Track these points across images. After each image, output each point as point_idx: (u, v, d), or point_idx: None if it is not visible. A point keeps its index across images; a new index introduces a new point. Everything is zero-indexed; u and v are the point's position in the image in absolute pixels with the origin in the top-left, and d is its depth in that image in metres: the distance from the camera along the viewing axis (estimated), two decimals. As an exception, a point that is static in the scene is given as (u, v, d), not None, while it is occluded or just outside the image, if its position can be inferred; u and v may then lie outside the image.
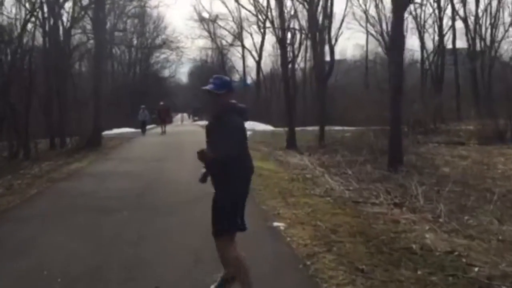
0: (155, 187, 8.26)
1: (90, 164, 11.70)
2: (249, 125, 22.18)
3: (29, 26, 17.00)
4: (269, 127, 25.77)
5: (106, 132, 24.62)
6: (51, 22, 18.60)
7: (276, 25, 32.73)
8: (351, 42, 69.83)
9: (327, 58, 18.65)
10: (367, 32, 37.12)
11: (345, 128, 23.91)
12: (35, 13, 18.11)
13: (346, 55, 43.96)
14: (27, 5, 17.67)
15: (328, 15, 14.88)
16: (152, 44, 45.35)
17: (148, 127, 25.72)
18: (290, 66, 33.93)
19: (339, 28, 23.55)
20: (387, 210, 6.45)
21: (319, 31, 26.33)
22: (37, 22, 18.48)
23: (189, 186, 6.82)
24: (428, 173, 9.83)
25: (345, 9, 48.75)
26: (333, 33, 18.80)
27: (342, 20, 26.39)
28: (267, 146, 15.65)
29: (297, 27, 27.69)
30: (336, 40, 15.97)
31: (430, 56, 34.30)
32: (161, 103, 25.63)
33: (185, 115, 55.52)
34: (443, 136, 16.83)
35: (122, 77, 44.97)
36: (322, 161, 11.82)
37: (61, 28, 19.71)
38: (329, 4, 16.22)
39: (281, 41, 15.54)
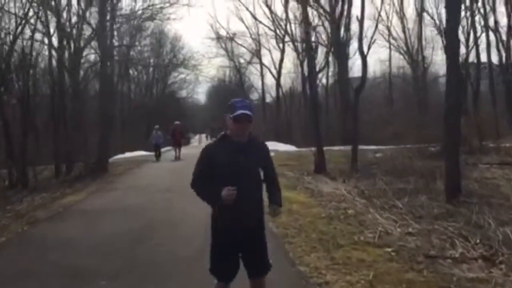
0: (159, 230, 6.39)
1: (88, 197, 9.94)
2: (271, 145, 20.29)
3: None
4: (291, 148, 23.83)
5: (118, 156, 23.10)
6: (64, 42, 17.44)
7: (296, 39, 31.43)
8: (372, 58, 66.68)
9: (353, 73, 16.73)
10: (390, 47, 35.21)
11: (373, 147, 21.88)
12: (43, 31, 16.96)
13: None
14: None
15: (359, 19, 12.96)
16: (169, 64, 44.24)
17: (163, 149, 23.91)
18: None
19: (372, 37, 21.70)
20: (481, 270, 4.44)
21: (342, 44, 24.63)
22: (45, 41, 17.29)
23: (204, 229, 4.95)
24: (498, 205, 7.74)
25: (377, 18, 46.45)
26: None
27: (374, 31, 24.53)
28: (292, 170, 13.71)
29: (319, 40, 26.04)
30: (368, 49, 13.91)
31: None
32: (176, 122, 21.35)
33: (203, 136, 54.03)
34: (492, 156, 14.59)
35: (139, 98, 43.86)
36: (361, 189, 9.79)
37: (72, 47, 18.45)
38: (359, 13, 14.19)
39: (307, 49, 13.59)
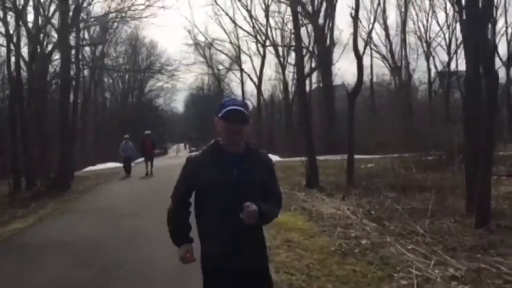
0: (115, 284, 4.56)
1: (36, 222, 8.05)
2: None
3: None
4: (275, 157, 22.21)
5: (88, 169, 21.07)
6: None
7: (277, 43, 29.96)
8: (352, 65, 65.13)
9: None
10: (371, 54, 34.16)
11: (360, 156, 20.51)
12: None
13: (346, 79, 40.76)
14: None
15: (353, 16, 11.48)
16: (144, 70, 42.28)
17: (138, 160, 21.87)
18: (293, 89, 30.87)
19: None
20: None
21: (327, 49, 23.28)
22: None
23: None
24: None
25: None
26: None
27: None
28: (280, 184, 12.05)
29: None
30: (364, 49, 12.47)
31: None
32: (147, 132, 17.15)
33: (181, 145, 52.01)
34: (498, 166, 13.29)
35: (114, 106, 41.68)
36: (366, 208, 8.22)
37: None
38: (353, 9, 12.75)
39: (297, 51, 12.05)
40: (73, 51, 20.78)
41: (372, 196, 9.41)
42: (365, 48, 13.06)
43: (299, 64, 11.95)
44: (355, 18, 11.78)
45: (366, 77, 37.61)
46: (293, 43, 29.18)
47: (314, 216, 7.69)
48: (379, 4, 27.02)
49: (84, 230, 7.03)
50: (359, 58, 11.70)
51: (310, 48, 25.08)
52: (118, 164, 22.65)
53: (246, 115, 2.25)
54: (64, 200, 10.67)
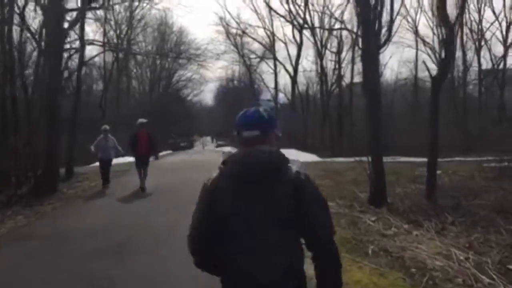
0: None
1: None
2: (287, 154, 15.18)
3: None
4: (313, 157, 18.79)
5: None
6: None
7: (315, 27, 26.40)
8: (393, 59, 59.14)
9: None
10: (417, 45, 30.18)
11: (413, 159, 17.00)
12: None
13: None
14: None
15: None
16: (176, 55, 39.43)
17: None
18: (333, 79, 27.15)
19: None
20: None
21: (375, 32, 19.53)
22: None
23: None
24: None
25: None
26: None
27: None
28: (330, 197, 8.75)
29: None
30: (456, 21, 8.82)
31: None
32: (141, 120, 10.43)
33: (208, 138, 49.14)
34: None
35: (141, 97, 39.06)
36: (496, 258, 4.80)
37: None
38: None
39: (364, 24, 8.47)
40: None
41: (482, 226, 6.01)
42: (457, 18, 9.52)
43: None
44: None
45: (410, 72, 33.64)
46: (335, 27, 25.70)
47: (415, 273, 4.33)
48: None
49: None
50: (450, 28, 8.16)
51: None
52: (133, 159, 19.74)
53: (260, 131, 1.82)
54: (38, 212, 7.57)
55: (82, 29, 16.83)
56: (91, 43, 22.70)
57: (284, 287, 1.69)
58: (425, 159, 18.56)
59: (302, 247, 1.77)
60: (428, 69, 10.49)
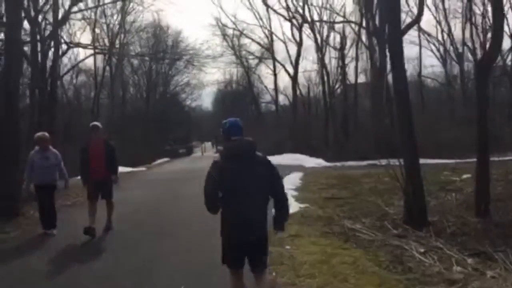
0: None
1: None
2: (293, 159, 13.12)
3: None
4: (321, 162, 16.95)
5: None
6: None
7: (318, 24, 24.65)
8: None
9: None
10: (420, 43, 28.35)
11: (433, 161, 15.32)
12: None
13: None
14: None
15: None
16: (170, 65, 37.72)
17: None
18: (336, 77, 25.37)
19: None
20: None
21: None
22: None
23: None
24: None
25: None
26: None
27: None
28: (353, 214, 6.98)
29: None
30: None
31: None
32: (95, 124, 6.84)
33: (209, 144, 47.33)
34: None
35: (136, 103, 37.31)
36: None
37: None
38: None
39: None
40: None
41: None
42: None
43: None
44: None
45: (413, 69, 31.74)
46: (337, 20, 23.96)
47: None
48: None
49: None
50: (500, 7, 6.37)
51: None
52: (126, 169, 17.88)
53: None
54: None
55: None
56: (78, 45, 21.06)
57: (263, 223, 3.02)
58: (443, 161, 16.69)
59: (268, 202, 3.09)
60: (473, 52, 8.70)
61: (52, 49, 17.09)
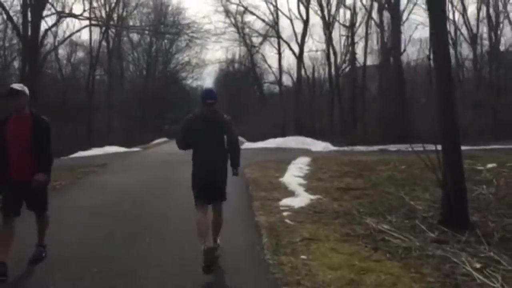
0: None
1: None
2: (298, 142, 11.88)
3: None
4: (327, 146, 15.77)
5: (79, 154, 15.38)
6: None
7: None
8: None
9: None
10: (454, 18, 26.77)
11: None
12: None
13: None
14: None
15: None
16: (171, 43, 36.21)
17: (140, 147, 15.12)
18: (344, 57, 23.89)
19: None
20: None
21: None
22: None
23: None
24: None
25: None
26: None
27: None
28: (375, 209, 5.85)
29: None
30: None
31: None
32: (14, 87, 3.64)
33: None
34: None
35: (135, 80, 35.98)
36: None
37: None
38: None
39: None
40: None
41: None
42: None
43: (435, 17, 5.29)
44: None
45: (421, 53, 30.27)
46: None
47: None
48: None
49: None
50: None
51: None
52: (120, 149, 16.83)
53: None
54: None
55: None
56: (71, 15, 19.69)
57: (222, 169, 3.86)
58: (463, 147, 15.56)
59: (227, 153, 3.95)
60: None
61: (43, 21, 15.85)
